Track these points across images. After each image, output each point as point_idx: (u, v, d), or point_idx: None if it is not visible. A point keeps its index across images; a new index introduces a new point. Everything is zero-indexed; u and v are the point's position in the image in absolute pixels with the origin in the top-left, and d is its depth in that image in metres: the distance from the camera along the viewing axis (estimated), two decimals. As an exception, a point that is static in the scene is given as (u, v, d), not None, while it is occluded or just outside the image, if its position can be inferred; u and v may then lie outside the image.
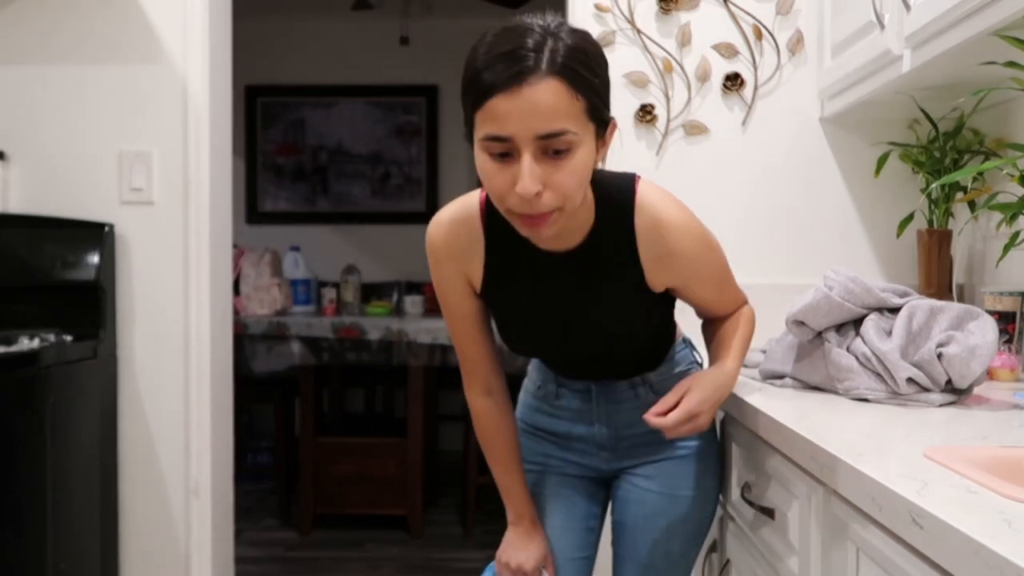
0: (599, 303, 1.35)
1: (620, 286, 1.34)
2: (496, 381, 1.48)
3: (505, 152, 1.14)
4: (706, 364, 1.50)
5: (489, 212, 1.33)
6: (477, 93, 1.13)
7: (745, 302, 1.47)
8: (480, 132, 1.15)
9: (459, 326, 1.43)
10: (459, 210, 1.37)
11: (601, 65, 1.19)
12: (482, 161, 1.17)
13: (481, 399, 1.48)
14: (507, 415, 1.50)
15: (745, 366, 1.71)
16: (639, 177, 1.33)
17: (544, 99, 1.11)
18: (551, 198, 1.15)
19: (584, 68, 1.14)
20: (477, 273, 1.37)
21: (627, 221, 1.30)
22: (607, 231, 1.31)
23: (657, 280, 1.34)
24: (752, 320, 1.46)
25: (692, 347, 1.56)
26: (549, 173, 1.14)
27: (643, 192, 1.31)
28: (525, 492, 1.51)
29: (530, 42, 1.12)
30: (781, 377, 1.55)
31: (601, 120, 1.19)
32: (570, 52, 1.13)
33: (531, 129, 1.12)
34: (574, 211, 1.21)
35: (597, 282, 1.34)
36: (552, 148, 1.13)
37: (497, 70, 1.11)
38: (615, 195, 1.30)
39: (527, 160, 1.13)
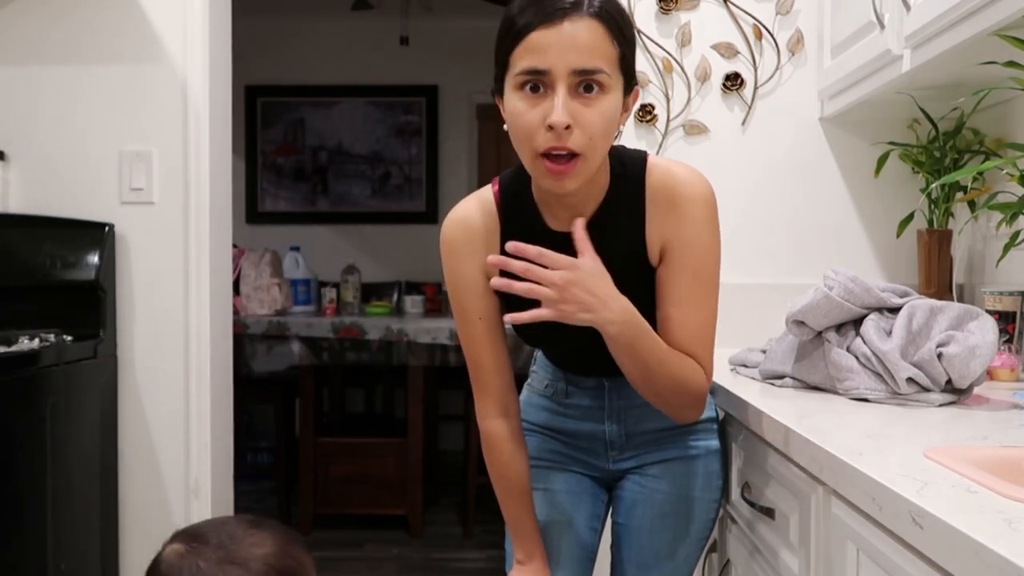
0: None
1: (627, 259, 1.32)
2: (512, 400, 1.42)
3: (538, 86, 1.18)
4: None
5: (504, 198, 1.36)
6: (516, 32, 1.18)
7: (704, 364, 1.32)
8: (516, 68, 1.19)
9: (475, 330, 1.38)
10: (474, 202, 1.38)
11: (631, 26, 1.25)
12: (513, 102, 1.20)
13: (497, 423, 1.41)
14: (522, 440, 1.44)
15: (744, 365, 1.72)
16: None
17: (584, 35, 1.17)
18: (579, 136, 1.19)
19: (620, 20, 1.22)
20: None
21: (639, 183, 1.32)
22: (620, 197, 1.32)
23: (654, 241, 1.31)
24: (692, 370, 1.29)
25: None
26: (579, 110, 1.18)
27: (655, 158, 1.35)
28: (537, 528, 1.44)
29: None
30: (781, 377, 1.55)
31: (630, 76, 1.24)
32: (606, 2, 1.20)
33: (569, 63, 1.16)
34: (595, 165, 1.24)
35: (608, 255, 1.29)
36: (585, 83, 1.18)
37: (537, 8, 1.17)
38: (628, 162, 1.33)
39: (561, 93, 1.17)
